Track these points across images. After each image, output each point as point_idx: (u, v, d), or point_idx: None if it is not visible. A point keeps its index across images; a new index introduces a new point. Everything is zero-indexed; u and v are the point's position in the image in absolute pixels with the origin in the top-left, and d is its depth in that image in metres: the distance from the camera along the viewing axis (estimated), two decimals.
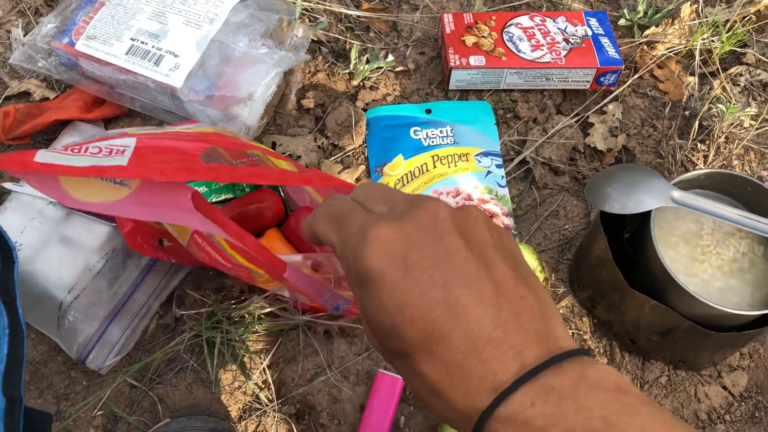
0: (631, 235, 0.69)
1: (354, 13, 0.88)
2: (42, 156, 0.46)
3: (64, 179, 0.46)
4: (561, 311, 0.72)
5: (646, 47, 0.88)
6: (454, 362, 0.31)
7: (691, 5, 0.89)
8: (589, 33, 0.84)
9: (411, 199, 0.35)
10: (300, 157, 0.77)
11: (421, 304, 0.31)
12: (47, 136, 0.76)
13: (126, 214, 0.45)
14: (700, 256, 0.63)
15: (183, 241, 0.58)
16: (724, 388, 0.70)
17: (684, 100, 0.83)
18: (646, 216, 0.62)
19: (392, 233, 0.32)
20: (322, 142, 0.79)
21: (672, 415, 0.31)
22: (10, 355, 0.43)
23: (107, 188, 0.45)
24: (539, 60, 0.81)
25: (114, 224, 0.68)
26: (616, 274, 0.63)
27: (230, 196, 0.74)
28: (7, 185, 0.69)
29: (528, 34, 0.84)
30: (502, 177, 0.78)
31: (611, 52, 0.82)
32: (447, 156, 0.78)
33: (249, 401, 0.66)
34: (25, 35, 0.84)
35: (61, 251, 0.67)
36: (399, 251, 0.32)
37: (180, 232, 0.58)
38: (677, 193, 0.61)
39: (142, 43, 0.74)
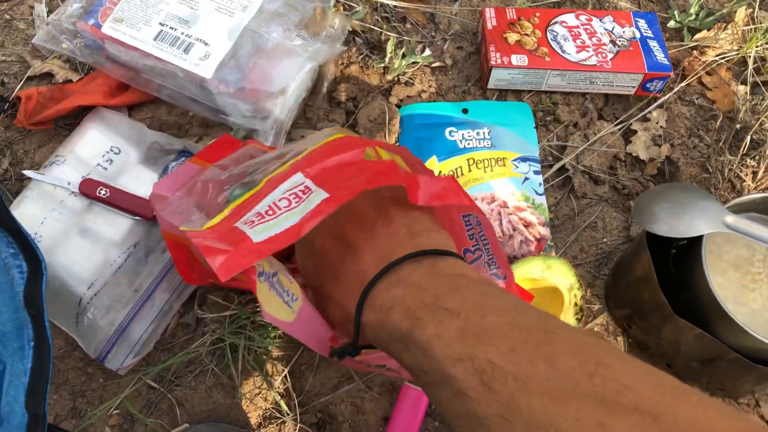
0: (675, 255, 0.66)
1: (391, 2, 0.84)
2: (255, 234, 0.41)
3: (259, 288, 0.41)
4: (595, 329, 0.70)
5: (695, 52, 0.84)
6: (343, 277, 0.42)
7: (746, 9, 0.84)
8: (638, 35, 0.80)
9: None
10: None
11: (328, 254, 0.44)
12: (69, 120, 0.74)
13: (295, 335, 0.44)
14: (751, 284, 0.60)
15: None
16: (762, 417, 0.67)
17: (734, 111, 0.79)
18: (695, 238, 0.59)
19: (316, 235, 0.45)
20: None
21: (492, 288, 0.38)
22: (34, 369, 0.41)
23: (282, 308, 0.43)
24: (584, 62, 0.77)
25: (136, 218, 0.66)
26: (659, 296, 0.60)
27: None
28: (28, 173, 0.66)
29: (573, 33, 0.80)
30: (540, 184, 0.74)
31: (660, 57, 0.78)
32: (483, 160, 0.75)
33: (269, 409, 0.64)
34: (48, 12, 0.81)
35: (81, 244, 0.64)
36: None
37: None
38: (731, 218, 0.58)
39: (172, 28, 0.70)
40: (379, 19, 0.84)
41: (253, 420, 0.64)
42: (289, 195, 0.44)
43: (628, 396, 0.29)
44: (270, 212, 0.43)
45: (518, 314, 0.35)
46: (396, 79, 0.80)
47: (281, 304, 0.43)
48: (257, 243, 0.40)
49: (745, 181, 0.75)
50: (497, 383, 0.32)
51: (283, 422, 0.64)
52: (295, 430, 0.64)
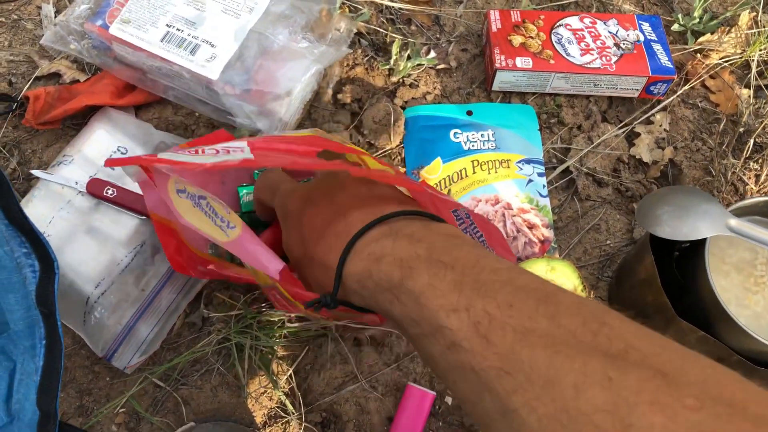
0: (678, 258, 0.67)
1: (396, 4, 0.85)
2: (164, 155, 0.46)
3: (177, 200, 0.46)
4: None
5: (699, 55, 0.84)
6: (329, 233, 0.42)
7: (749, 13, 0.85)
8: (641, 39, 0.81)
9: (318, 175, 0.54)
10: None
11: (314, 213, 0.44)
12: (77, 120, 0.74)
13: (234, 252, 0.46)
14: (753, 287, 0.60)
15: (263, 283, 0.56)
16: None
17: (737, 114, 0.80)
18: (698, 241, 0.60)
19: (302, 193, 0.47)
20: (358, 140, 0.77)
21: (486, 251, 0.37)
22: (45, 367, 0.41)
23: (211, 228, 0.46)
24: (588, 65, 0.78)
25: (143, 217, 0.66)
26: (662, 298, 0.61)
27: None
28: (36, 172, 0.67)
29: (578, 36, 0.80)
30: (544, 186, 0.75)
31: (664, 60, 0.79)
32: (487, 161, 0.75)
33: (274, 408, 0.65)
34: (56, 12, 0.81)
35: (88, 243, 0.65)
36: (301, 203, 0.46)
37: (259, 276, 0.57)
38: (734, 221, 0.58)
39: (178, 30, 0.71)
40: (385, 21, 0.84)
41: (258, 419, 0.64)
42: (222, 148, 0.47)
43: (635, 354, 0.28)
44: (192, 152, 0.47)
45: (515, 274, 0.34)
46: (401, 80, 0.81)
47: (211, 224, 0.47)
48: (158, 157, 0.46)
49: (747, 184, 0.76)
50: (495, 335, 0.30)
51: (288, 421, 0.64)
52: (299, 429, 0.64)
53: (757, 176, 0.76)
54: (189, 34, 0.71)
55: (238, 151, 0.46)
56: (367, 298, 0.39)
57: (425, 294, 0.34)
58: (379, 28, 0.83)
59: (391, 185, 0.47)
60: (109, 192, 0.66)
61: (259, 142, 0.49)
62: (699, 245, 0.59)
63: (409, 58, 0.80)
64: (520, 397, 0.28)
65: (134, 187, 0.67)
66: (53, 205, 0.66)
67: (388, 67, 0.80)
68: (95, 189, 0.66)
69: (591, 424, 0.26)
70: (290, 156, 0.48)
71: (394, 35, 0.82)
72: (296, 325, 0.66)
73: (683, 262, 0.64)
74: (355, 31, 0.78)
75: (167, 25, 0.71)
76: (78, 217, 0.66)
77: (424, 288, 0.34)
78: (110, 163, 0.50)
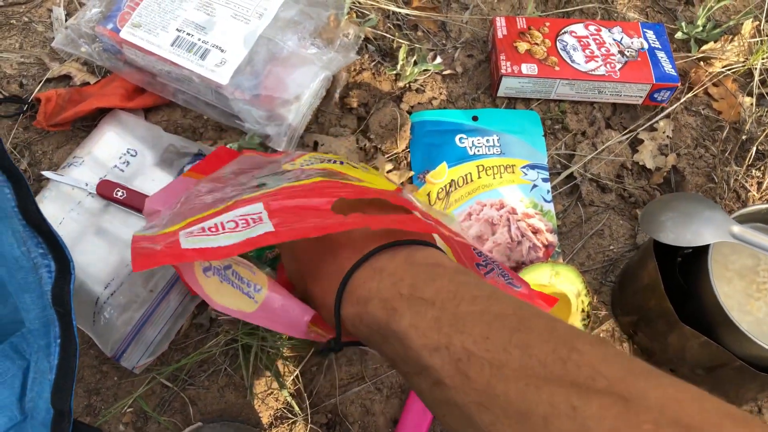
0: (681, 264, 0.67)
1: (403, 10, 0.86)
2: (186, 242, 0.43)
3: (205, 282, 0.44)
4: (601, 335, 0.71)
5: (702, 63, 0.85)
6: (323, 274, 0.43)
7: (752, 22, 0.86)
8: (645, 46, 0.81)
9: None
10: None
11: (306, 256, 0.46)
12: (87, 122, 0.75)
13: (260, 323, 0.46)
14: (756, 293, 0.61)
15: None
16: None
17: (740, 122, 0.81)
18: (701, 247, 0.60)
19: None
20: (365, 144, 0.77)
21: (468, 277, 0.38)
22: (60, 365, 0.42)
23: (240, 298, 0.45)
24: (593, 72, 0.79)
25: None
26: (665, 304, 0.62)
27: None
28: (46, 173, 0.68)
29: (582, 43, 0.81)
30: (548, 191, 0.76)
31: (667, 67, 0.80)
32: (492, 167, 0.76)
33: (280, 409, 0.66)
34: (66, 15, 0.82)
35: (98, 244, 0.66)
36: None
37: None
38: (737, 228, 0.59)
39: (188, 34, 0.72)
40: (392, 26, 0.85)
41: (265, 420, 0.65)
42: (240, 219, 0.45)
43: (600, 380, 0.30)
44: (213, 229, 0.45)
45: (493, 302, 0.35)
46: (407, 86, 0.81)
47: (239, 294, 0.45)
48: (183, 249, 0.42)
49: (750, 191, 0.76)
50: (473, 371, 0.32)
51: (294, 422, 0.65)
52: (305, 430, 0.65)
53: (759, 183, 0.76)
54: (199, 39, 0.71)
55: (257, 220, 0.44)
56: (363, 338, 0.41)
57: (409, 335, 0.35)
58: (386, 34, 0.84)
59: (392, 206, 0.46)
60: (119, 194, 0.67)
61: (274, 204, 0.46)
62: (702, 251, 0.60)
63: (415, 63, 0.81)
64: (498, 429, 0.31)
65: (143, 189, 0.68)
66: (63, 206, 0.67)
67: (394, 72, 0.81)
68: (105, 190, 0.67)
69: None
70: (310, 219, 0.44)
71: (400, 41, 0.83)
72: None
73: (686, 268, 0.65)
74: (363, 37, 0.79)
75: (177, 29, 0.72)
76: (88, 218, 0.67)
77: (407, 329, 0.35)
78: (138, 268, 0.44)
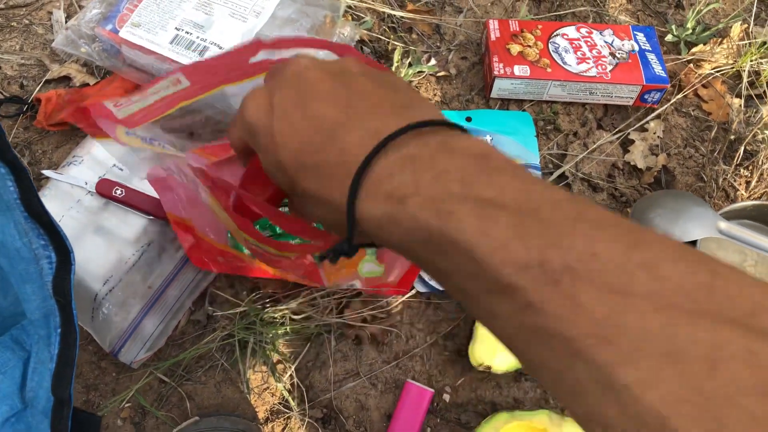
0: None
1: (398, 13, 0.87)
2: (118, 112, 0.46)
3: (128, 140, 0.47)
4: None
5: (692, 65, 0.87)
6: (322, 164, 0.33)
7: (741, 25, 0.87)
8: (636, 48, 0.83)
9: (284, 62, 0.38)
10: None
11: (286, 129, 0.34)
12: None
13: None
14: None
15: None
16: None
17: (728, 122, 0.82)
18: (689, 244, 0.62)
19: (260, 93, 0.36)
20: None
21: (531, 175, 0.30)
22: (60, 354, 0.43)
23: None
24: (585, 74, 0.80)
25: (150, 217, 0.68)
26: None
27: None
28: (46, 172, 0.69)
29: (574, 46, 0.82)
30: None
31: (658, 69, 0.81)
32: None
33: (276, 404, 0.67)
34: (66, 17, 0.83)
35: (97, 242, 0.67)
36: (265, 103, 0.35)
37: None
38: (724, 224, 0.60)
39: (187, 33, 0.73)
40: (387, 29, 0.86)
41: (261, 414, 0.66)
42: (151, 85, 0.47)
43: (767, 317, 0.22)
44: (137, 95, 0.47)
45: (582, 207, 0.27)
46: None
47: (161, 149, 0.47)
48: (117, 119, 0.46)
49: (738, 190, 0.78)
50: (585, 295, 0.24)
51: (290, 417, 0.66)
52: (301, 424, 0.66)
53: (748, 183, 0.78)
54: (198, 37, 0.73)
55: (175, 82, 0.46)
56: (396, 245, 0.32)
57: (480, 246, 0.27)
58: (381, 36, 0.85)
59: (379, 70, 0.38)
60: (118, 192, 0.68)
61: (190, 66, 0.47)
62: None
63: (410, 65, 0.82)
64: (632, 370, 0.23)
65: (142, 188, 0.69)
66: (63, 204, 0.68)
67: None
68: (104, 189, 0.68)
69: (740, 410, 0.21)
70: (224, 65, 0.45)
71: (395, 43, 0.84)
72: (300, 320, 0.68)
73: None
74: (358, 37, 0.81)
75: (176, 28, 0.73)
76: (87, 216, 0.68)
77: (475, 238, 0.27)
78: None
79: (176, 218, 0.63)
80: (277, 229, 0.67)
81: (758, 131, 0.79)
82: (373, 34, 0.85)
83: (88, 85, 0.78)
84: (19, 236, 0.42)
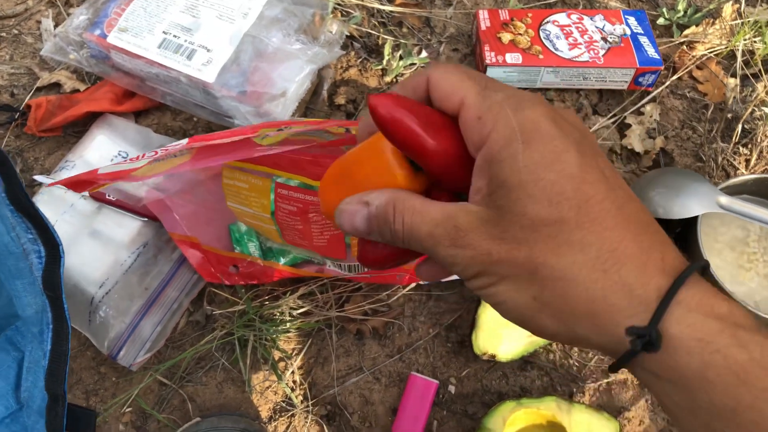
0: (673, 239, 0.68)
1: (387, 8, 0.87)
2: (103, 169, 0.48)
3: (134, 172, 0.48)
4: None
5: (685, 47, 0.86)
6: (606, 261, 0.26)
7: (732, 5, 0.87)
8: (628, 32, 0.82)
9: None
10: None
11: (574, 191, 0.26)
12: (78, 128, 0.76)
13: (196, 166, 0.45)
14: (747, 263, 0.61)
15: (268, 210, 0.57)
16: None
17: (725, 102, 0.81)
18: (690, 221, 0.61)
19: (549, 112, 0.27)
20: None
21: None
22: (53, 350, 0.42)
23: (171, 161, 0.47)
24: (577, 59, 0.79)
25: (144, 219, 0.67)
26: None
27: None
28: (39, 178, 0.68)
29: (565, 32, 0.82)
30: None
31: (650, 52, 0.80)
32: None
33: (279, 402, 0.66)
34: (55, 26, 0.83)
35: (91, 246, 0.66)
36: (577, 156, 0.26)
37: (261, 198, 0.57)
38: (724, 199, 0.60)
39: (175, 36, 0.73)
40: (376, 23, 0.86)
41: (264, 413, 0.65)
42: (161, 149, 0.49)
43: None
44: (133, 159, 0.49)
45: None
46: (394, 80, 0.82)
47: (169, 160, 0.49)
48: (97, 174, 0.49)
49: (738, 168, 0.77)
50: None
51: (294, 414, 0.65)
52: (305, 422, 0.65)
53: (747, 161, 0.77)
54: (185, 40, 0.72)
55: (177, 149, 0.48)
56: (681, 390, 0.25)
57: None
58: (371, 31, 0.85)
59: None
60: (112, 195, 0.67)
61: (198, 138, 0.49)
62: (691, 226, 0.60)
63: (401, 57, 0.82)
64: None
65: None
66: (56, 209, 0.67)
67: (381, 67, 0.82)
68: (97, 193, 0.67)
69: None
70: (227, 144, 0.47)
71: (385, 37, 0.84)
72: (300, 317, 0.67)
73: (677, 244, 0.65)
74: (347, 33, 0.80)
75: (164, 32, 0.73)
76: (81, 220, 0.67)
77: None
78: (53, 183, 0.53)
79: (180, 237, 0.64)
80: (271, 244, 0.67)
81: (755, 108, 0.78)
82: (363, 29, 0.85)
83: (78, 91, 0.77)
84: (6, 231, 0.41)
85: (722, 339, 0.24)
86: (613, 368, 0.28)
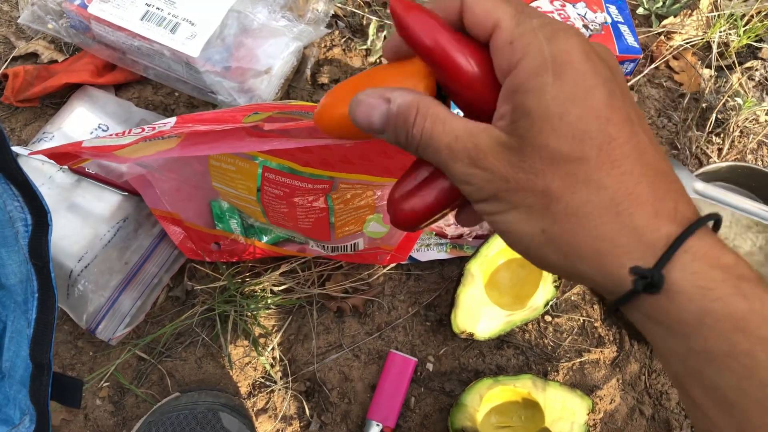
0: None
1: None
2: (87, 142, 0.46)
3: (118, 151, 0.47)
4: (572, 298, 0.72)
5: (663, 38, 0.88)
6: (614, 232, 0.26)
7: None
8: (609, 20, 0.84)
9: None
10: None
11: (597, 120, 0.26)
12: (56, 99, 0.74)
13: (183, 153, 0.44)
14: None
15: (254, 192, 0.57)
16: None
17: (700, 92, 0.83)
18: None
19: (583, 45, 0.27)
20: None
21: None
22: (38, 319, 0.42)
23: (158, 144, 0.46)
24: None
25: (125, 193, 0.67)
26: None
27: None
28: (17, 149, 0.67)
29: None
30: None
31: (630, 40, 0.82)
32: None
33: (259, 378, 0.66)
34: None
35: (70, 219, 0.65)
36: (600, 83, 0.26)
37: (247, 181, 0.57)
38: (700, 185, 0.61)
39: (158, 9, 0.72)
40: (361, 3, 0.86)
41: (244, 389, 0.65)
42: (148, 127, 0.48)
43: None
44: (119, 134, 0.48)
45: None
46: (378, 60, 0.82)
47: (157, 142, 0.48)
48: (83, 145, 0.48)
49: (711, 157, 0.79)
50: None
51: (273, 390, 0.65)
52: (284, 397, 0.65)
53: (720, 149, 0.79)
54: (169, 13, 0.71)
55: (165, 127, 0.47)
56: (672, 326, 0.26)
57: None
58: (356, 10, 0.85)
59: None
60: (91, 169, 0.66)
61: (187, 118, 0.48)
62: None
63: (386, 38, 0.82)
64: None
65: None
66: (34, 180, 0.65)
67: (365, 47, 0.82)
68: (78, 167, 0.66)
69: None
70: (217, 131, 0.45)
71: (370, 17, 0.84)
72: (281, 294, 0.68)
73: None
74: (332, 12, 0.80)
75: (146, 4, 0.72)
76: (59, 192, 0.66)
77: None
78: (34, 153, 0.52)
79: (161, 213, 0.63)
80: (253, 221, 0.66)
81: (728, 99, 0.81)
82: (348, 8, 0.84)
83: (56, 62, 0.76)
84: None
85: (724, 288, 0.25)
86: (611, 308, 0.28)
